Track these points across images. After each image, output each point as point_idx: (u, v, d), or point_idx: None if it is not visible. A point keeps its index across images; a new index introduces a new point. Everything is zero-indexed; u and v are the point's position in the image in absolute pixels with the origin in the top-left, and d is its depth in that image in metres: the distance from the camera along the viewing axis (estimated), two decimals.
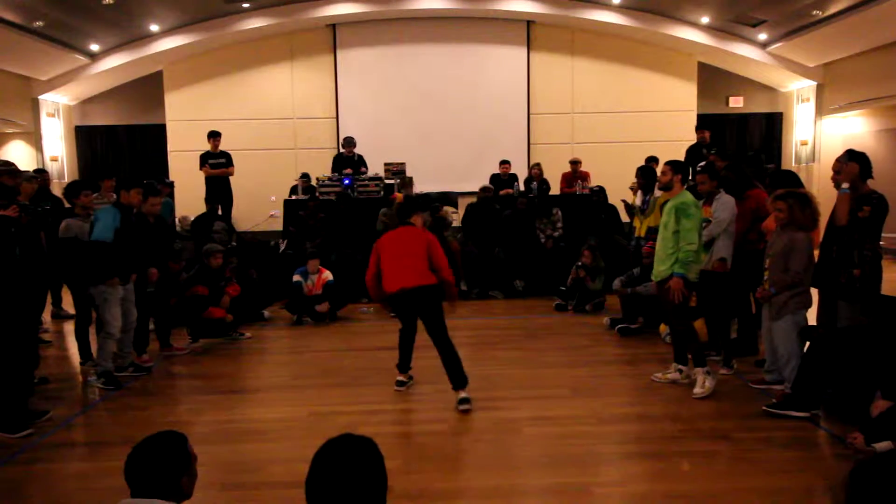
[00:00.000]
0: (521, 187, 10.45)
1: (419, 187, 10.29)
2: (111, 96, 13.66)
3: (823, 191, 8.78)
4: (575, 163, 10.62)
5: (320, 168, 11.79)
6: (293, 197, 10.21)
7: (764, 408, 4.53)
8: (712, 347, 5.69)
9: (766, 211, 5.20)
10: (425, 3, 12.44)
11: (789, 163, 13.57)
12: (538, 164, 10.66)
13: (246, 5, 11.97)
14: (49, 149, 12.70)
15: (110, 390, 5.36)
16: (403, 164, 10.11)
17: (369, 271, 5.21)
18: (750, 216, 5.48)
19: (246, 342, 6.94)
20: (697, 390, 4.94)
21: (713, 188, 5.43)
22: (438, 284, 4.99)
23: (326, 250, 8.71)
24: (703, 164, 7.36)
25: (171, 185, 9.61)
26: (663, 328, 6.49)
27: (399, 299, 5.02)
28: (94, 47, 12.17)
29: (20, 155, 12.18)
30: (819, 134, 13.19)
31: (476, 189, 9.78)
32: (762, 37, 12.49)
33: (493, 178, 10.59)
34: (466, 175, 11.96)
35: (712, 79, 13.72)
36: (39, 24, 10.40)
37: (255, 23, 12.38)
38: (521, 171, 11.54)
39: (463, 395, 4.83)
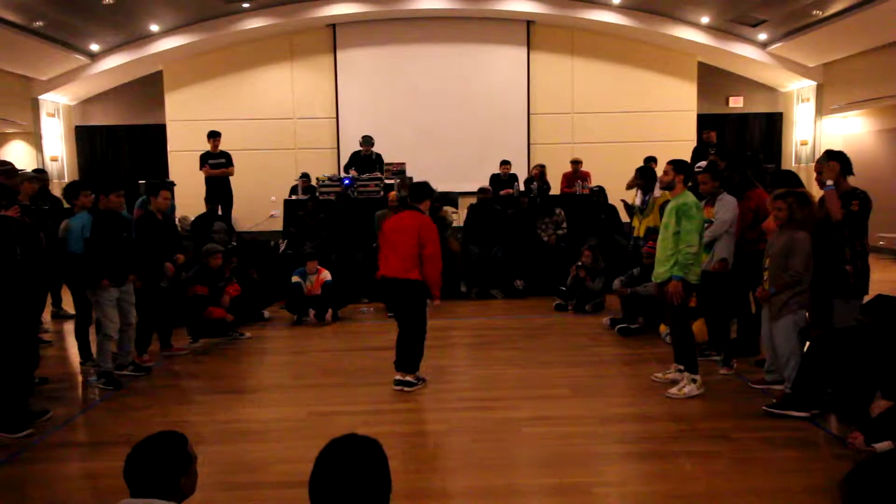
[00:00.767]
0: (521, 187, 10.44)
1: None
2: (111, 96, 13.67)
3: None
4: (576, 163, 10.62)
5: (320, 168, 11.80)
6: (293, 197, 10.21)
7: (764, 408, 4.53)
8: (712, 347, 5.69)
9: (767, 211, 5.19)
10: (425, 3, 12.44)
11: (789, 163, 13.57)
12: (539, 165, 10.66)
13: (246, 5, 11.97)
14: (49, 149, 12.71)
15: (110, 390, 5.37)
16: (403, 164, 10.11)
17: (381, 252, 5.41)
18: (750, 216, 5.48)
19: (246, 342, 6.94)
20: (673, 391, 4.94)
21: (715, 188, 5.42)
22: (416, 281, 5.09)
23: (326, 250, 8.71)
24: (703, 164, 7.35)
25: (172, 185, 9.60)
26: (663, 328, 6.49)
27: (381, 285, 5.26)
28: (94, 47, 12.17)
29: (20, 155, 12.18)
30: (819, 134, 13.19)
31: (476, 189, 9.77)
32: (762, 37, 12.49)
33: (494, 178, 10.59)
34: (466, 175, 11.96)
35: (712, 79, 13.72)
36: (39, 24, 10.41)
37: (255, 23, 12.38)
38: (521, 171, 11.54)
39: (401, 377, 5.18)
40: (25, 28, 10.36)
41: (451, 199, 10.09)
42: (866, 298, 4.80)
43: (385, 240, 5.25)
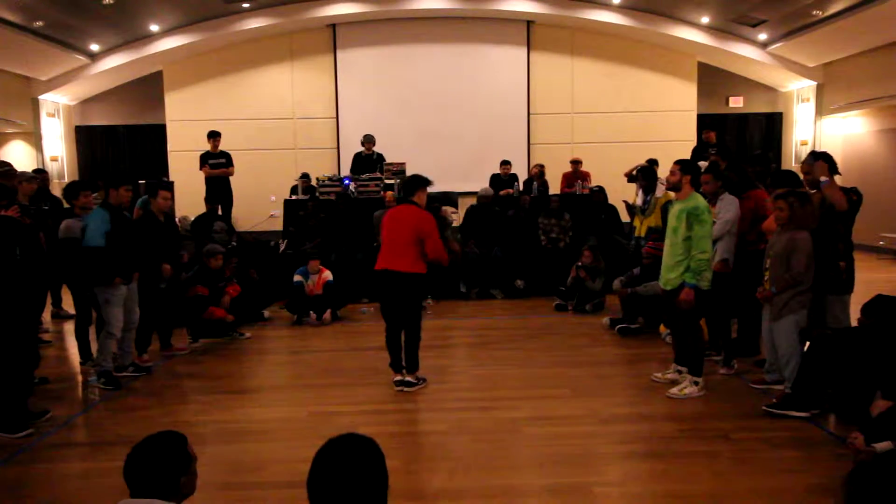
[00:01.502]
0: (521, 187, 10.45)
1: None
2: (111, 96, 13.67)
3: None
4: (576, 162, 10.62)
5: (320, 168, 11.80)
6: (293, 197, 10.21)
7: (764, 408, 4.53)
8: (712, 347, 5.69)
9: (766, 211, 5.20)
10: (425, 3, 12.44)
11: (789, 163, 13.58)
12: (538, 165, 10.67)
13: (246, 5, 11.97)
14: (49, 149, 12.71)
15: (110, 390, 5.36)
16: (403, 164, 10.11)
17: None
18: (750, 216, 5.48)
19: (246, 342, 6.94)
20: (673, 391, 4.95)
21: (717, 188, 5.42)
22: (416, 275, 5.07)
23: (326, 250, 8.71)
24: (703, 164, 7.36)
25: (171, 185, 9.61)
26: (663, 328, 6.49)
27: (376, 278, 5.19)
28: (94, 47, 12.17)
29: (20, 155, 12.19)
30: (819, 134, 13.20)
31: (477, 189, 9.77)
32: (762, 37, 12.49)
33: (494, 178, 10.59)
34: (466, 175, 11.97)
35: (712, 79, 13.72)
36: (39, 24, 10.41)
37: (255, 23, 12.39)
38: (521, 171, 11.55)
39: (401, 378, 5.19)
40: (25, 28, 10.36)
41: (451, 199, 10.10)
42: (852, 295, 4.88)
43: (384, 233, 5.25)
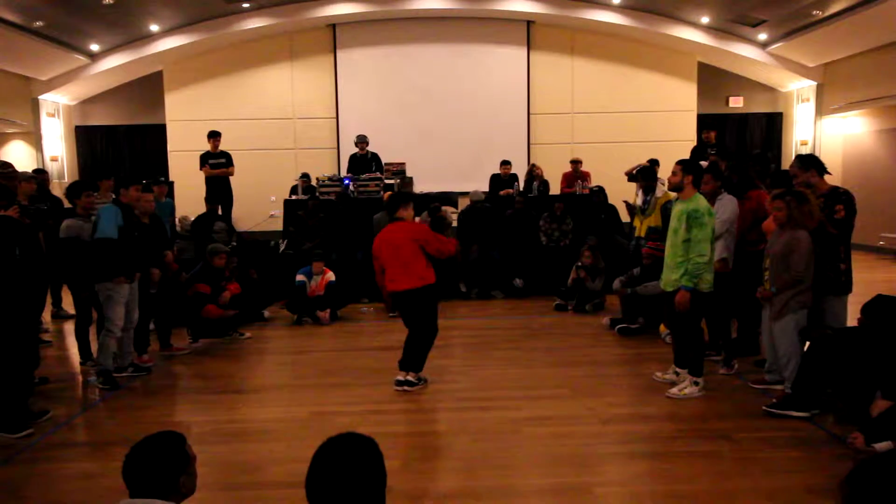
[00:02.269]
0: (521, 187, 10.44)
1: (419, 187, 10.30)
2: (111, 96, 13.68)
3: None
4: (576, 162, 10.62)
5: (320, 168, 11.81)
6: (293, 197, 10.22)
7: (764, 408, 4.53)
8: (712, 347, 5.68)
9: (767, 212, 5.19)
10: (425, 3, 12.44)
11: (789, 163, 13.51)
12: (535, 166, 10.69)
13: (246, 5, 11.97)
14: (49, 149, 12.71)
15: (108, 390, 5.36)
16: (403, 164, 10.11)
17: (377, 274, 5.37)
18: (750, 217, 5.48)
19: (246, 342, 6.94)
20: (673, 391, 4.94)
21: (716, 188, 5.42)
22: (428, 287, 5.13)
23: (326, 250, 8.71)
24: (703, 164, 7.36)
25: (170, 184, 9.61)
26: (663, 328, 6.49)
27: (395, 300, 5.30)
28: (94, 47, 12.18)
29: (20, 155, 12.19)
30: (819, 134, 13.20)
31: (479, 189, 9.77)
32: (762, 37, 12.49)
33: (494, 178, 10.59)
34: (466, 175, 11.98)
35: (712, 79, 13.73)
36: (39, 24, 10.41)
37: (255, 23, 12.39)
38: (521, 171, 11.54)
39: (402, 377, 5.20)
40: (25, 28, 10.37)
41: (451, 199, 10.10)
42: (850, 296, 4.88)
43: (384, 256, 5.18)
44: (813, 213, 4.59)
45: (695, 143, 11.69)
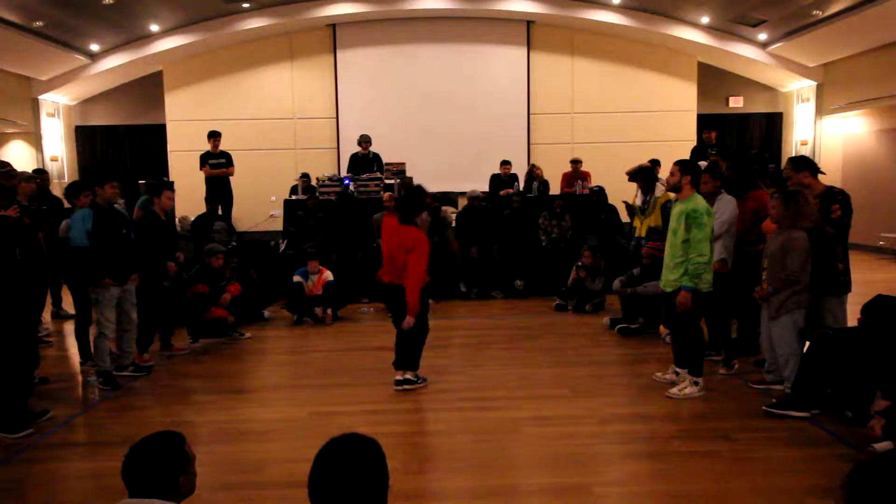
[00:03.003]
0: (521, 186, 10.44)
1: None
2: (111, 96, 13.68)
3: None
4: (576, 162, 10.62)
5: (320, 168, 11.80)
6: (293, 197, 10.22)
7: (764, 408, 4.52)
8: (712, 347, 5.68)
9: (767, 212, 5.19)
10: (425, 3, 12.44)
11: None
12: (535, 165, 10.69)
13: (246, 5, 11.97)
14: (49, 149, 12.71)
15: (108, 390, 5.36)
16: (403, 164, 10.11)
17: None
18: (750, 217, 5.47)
19: (246, 342, 6.94)
20: (673, 391, 4.94)
21: (715, 188, 5.41)
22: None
23: (326, 250, 8.71)
24: (703, 164, 7.36)
25: (171, 185, 9.59)
26: (663, 328, 6.49)
27: (383, 289, 5.28)
28: (94, 47, 12.18)
29: (20, 155, 12.19)
30: (819, 134, 13.21)
31: (478, 189, 9.77)
32: (762, 37, 12.49)
33: (494, 178, 10.59)
34: (466, 175, 11.97)
35: (712, 79, 13.73)
36: (39, 24, 10.41)
37: (255, 23, 12.39)
38: (521, 171, 11.54)
39: (401, 376, 5.22)
40: (25, 28, 10.37)
41: (451, 199, 10.10)
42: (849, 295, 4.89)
43: (383, 244, 5.26)
44: (807, 211, 4.58)
45: (695, 143, 11.70)
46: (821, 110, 13.06)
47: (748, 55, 12.84)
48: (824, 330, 4.69)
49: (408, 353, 5.24)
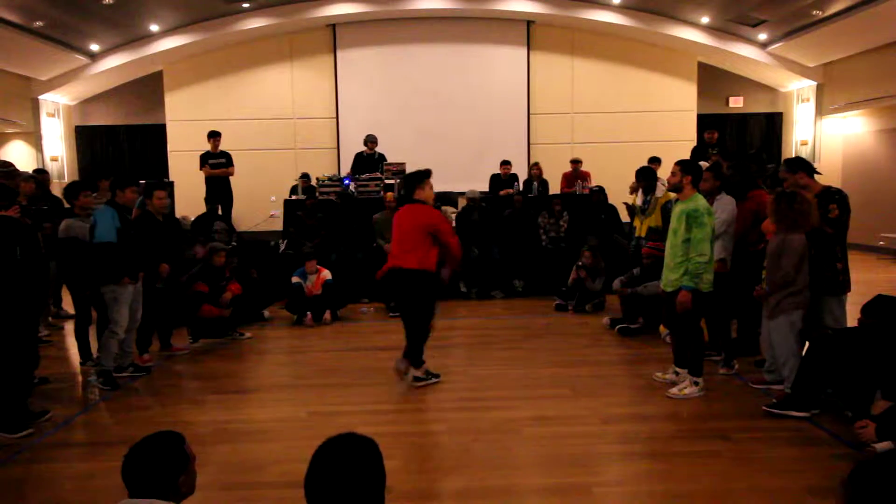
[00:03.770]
0: (521, 187, 10.44)
1: None
2: (111, 96, 13.68)
3: None
4: (576, 162, 10.62)
5: (320, 168, 11.81)
6: (293, 197, 10.22)
7: (764, 408, 4.52)
8: (712, 347, 5.68)
9: (767, 212, 5.19)
10: (425, 3, 12.44)
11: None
12: (537, 164, 10.67)
13: (246, 5, 11.98)
14: (49, 149, 12.71)
15: (108, 390, 5.36)
16: (403, 164, 10.10)
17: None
18: (751, 217, 5.47)
19: (246, 342, 6.94)
20: (673, 391, 4.94)
21: (714, 188, 5.41)
22: (423, 272, 5.08)
23: (326, 250, 8.71)
24: (703, 164, 7.36)
25: (171, 185, 9.61)
26: (663, 328, 6.49)
27: (390, 276, 5.27)
28: (94, 47, 12.18)
29: (20, 155, 12.19)
30: (819, 134, 13.21)
31: (477, 189, 9.77)
32: (762, 37, 12.50)
33: (494, 178, 10.58)
34: (466, 175, 11.96)
35: (712, 79, 13.73)
36: (39, 24, 10.41)
37: (255, 23, 12.39)
38: (521, 171, 11.55)
39: (413, 373, 5.22)
40: (25, 28, 10.37)
41: (451, 199, 10.11)
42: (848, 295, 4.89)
43: (392, 233, 5.32)
44: (804, 213, 4.56)
45: (695, 143, 11.71)
46: (821, 110, 13.06)
47: (748, 55, 12.84)
48: (824, 330, 4.70)
49: (410, 346, 5.23)
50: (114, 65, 12.50)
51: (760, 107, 14.15)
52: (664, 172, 6.25)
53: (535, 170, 10.50)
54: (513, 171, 10.67)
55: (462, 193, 10.38)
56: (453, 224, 9.19)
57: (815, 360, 4.39)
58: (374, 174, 9.84)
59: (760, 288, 4.76)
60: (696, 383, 4.91)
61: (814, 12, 10.88)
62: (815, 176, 5.07)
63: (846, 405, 4.30)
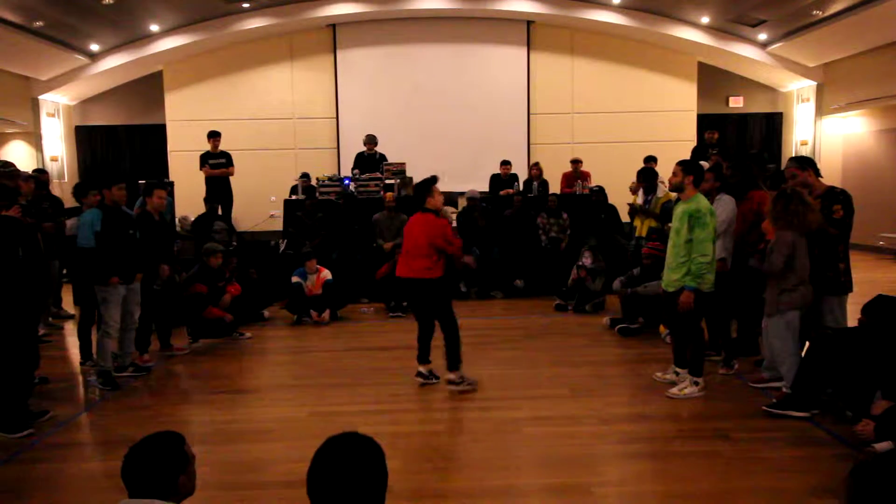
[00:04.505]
0: (521, 188, 10.44)
1: None
2: (111, 96, 13.67)
3: None
4: (576, 162, 10.61)
5: (320, 168, 11.80)
6: (293, 197, 10.21)
7: (764, 408, 4.53)
8: (712, 347, 5.68)
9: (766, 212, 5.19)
10: (425, 3, 12.44)
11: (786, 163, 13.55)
12: (537, 164, 10.67)
13: (246, 5, 11.97)
14: (49, 149, 12.71)
15: (108, 390, 5.36)
16: (403, 164, 10.11)
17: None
18: (751, 217, 5.46)
19: (246, 342, 6.94)
20: (673, 391, 4.95)
21: (714, 187, 5.41)
22: (430, 280, 5.16)
23: (326, 250, 8.71)
24: (704, 164, 7.36)
25: (171, 185, 9.61)
26: (663, 328, 6.49)
27: (399, 285, 5.51)
28: (94, 47, 12.17)
29: (20, 155, 12.18)
30: (819, 134, 13.20)
31: (477, 189, 9.77)
32: (762, 37, 12.49)
33: (494, 178, 10.58)
34: (466, 175, 11.94)
35: (712, 79, 13.72)
36: (39, 24, 10.40)
37: (255, 23, 12.38)
38: (521, 171, 11.54)
39: (450, 376, 5.21)
40: (25, 28, 10.36)
41: (451, 199, 10.09)
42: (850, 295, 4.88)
43: (407, 241, 5.36)
44: (801, 213, 4.53)
45: (695, 143, 11.72)
46: (821, 110, 13.05)
47: (748, 55, 12.83)
48: (824, 330, 4.70)
49: (448, 351, 5.22)
50: (114, 65, 12.49)
51: (760, 107, 14.15)
52: (662, 171, 6.25)
53: (534, 170, 10.50)
54: (513, 171, 10.66)
55: (462, 193, 10.39)
56: (454, 224, 9.20)
57: (815, 360, 4.39)
58: (374, 174, 9.84)
59: (756, 260, 4.77)
60: (696, 383, 4.91)
61: (814, 12, 10.87)
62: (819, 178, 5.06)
63: (846, 405, 4.30)
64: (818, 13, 10.86)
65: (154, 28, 12.11)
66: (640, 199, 7.63)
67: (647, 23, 12.58)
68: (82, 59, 12.14)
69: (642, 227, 7.28)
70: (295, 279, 7.72)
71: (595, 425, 4.47)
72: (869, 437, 3.68)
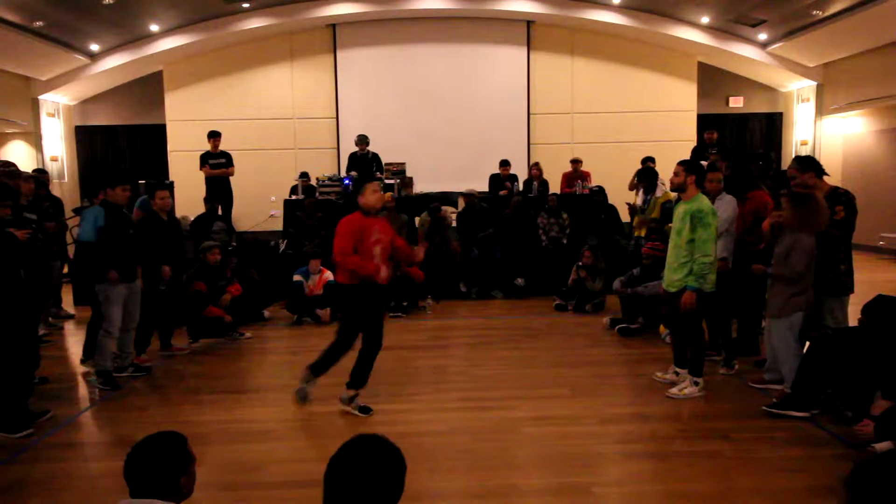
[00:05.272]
0: (521, 188, 10.44)
1: (419, 187, 10.30)
2: (111, 96, 13.67)
3: None
4: (576, 162, 10.61)
5: (320, 168, 11.80)
6: (293, 197, 10.21)
7: (764, 408, 4.53)
8: (712, 347, 5.69)
9: (767, 212, 5.19)
10: (425, 3, 12.44)
11: (789, 163, 13.54)
12: (537, 164, 10.67)
13: (246, 5, 11.97)
14: (49, 149, 12.71)
15: (108, 390, 5.36)
16: (403, 164, 10.10)
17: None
18: (750, 217, 5.47)
19: (246, 342, 6.94)
20: (673, 391, 4.95)
21: (719, 189, 5.41)
22: (343, 285, 4.67)
23: (326, 250, 8.70)
24: (703, 164, 7.36)
25: (171, 185, 9.61)
26: (663, 328, 6.49)
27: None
28: (94, 47, 12.17)
29: (20, 155, 12.19)
30: (819, 134, 13.20)
31: (477, 189, 9.77)
32: (762, 37, 12.49)
33: (493, 178, 10.58)
34: (466, 175, 11.95)
35: (712, 79, 13.72)
36: (39, 24, 10.41)
37: (255, 23, 12.38)
38: (521, 171, 11.54)
39: (348, 392, 4.74)
40: (25, 28, 10.36)
41: (451, 199, 10.10)
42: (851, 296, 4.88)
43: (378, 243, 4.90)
44: (820, 216, 4.53)
45: (695, 143, 11.71)
46: (821, 110, 13.05)
47: (748, 55, 12.83)
48: (824, 330, 4.69)
49: (357, 365, 4.79)
50: (114, 65, 12.49)
51: (760, 107, 14.15)
52: (661, 170, 6.25)
53: (534, 170, 10.49)
54: (512, 171, 10.66)
55: (461, 193, 10.39)
56: (454, 224, 9.21)
57: (815, 360, 4.39)
58: (374, 175, 9.83)
59: (759, 266, 4.75)
60: (697, 383, 4.91)
61: (814, 12, 10.87)
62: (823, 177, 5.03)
63: (846, 405, 4.30)
64: (818, 13, 10.87)
65: (154, 28, 12.11)
66: (639, 200, 7.63)
67: (647, 23, 12.58)
68: (82, 59, 12.14)
69: (640, 228, 7.28)
70: (296, 278, 7.71)
71: (595, 425, 4.47)
72: (869, 437, 3.68)
